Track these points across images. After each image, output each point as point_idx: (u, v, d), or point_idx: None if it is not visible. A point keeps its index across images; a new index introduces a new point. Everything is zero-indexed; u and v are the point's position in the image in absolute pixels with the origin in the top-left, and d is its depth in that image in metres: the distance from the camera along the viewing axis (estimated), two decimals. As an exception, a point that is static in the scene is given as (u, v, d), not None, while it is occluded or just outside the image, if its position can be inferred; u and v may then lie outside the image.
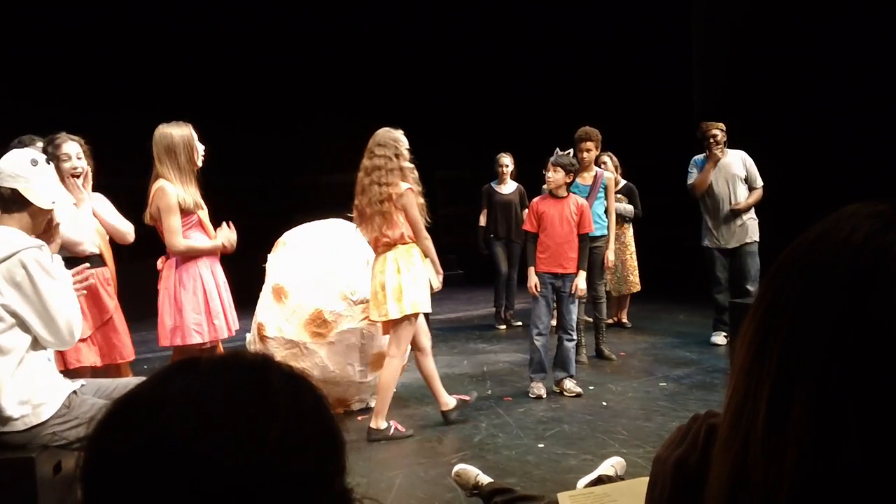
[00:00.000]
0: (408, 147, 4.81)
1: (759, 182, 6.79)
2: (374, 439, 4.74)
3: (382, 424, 4.79)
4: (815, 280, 0.70)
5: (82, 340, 3.83)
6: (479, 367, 6.65)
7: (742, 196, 6.76)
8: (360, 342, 5.35)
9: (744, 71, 9.66)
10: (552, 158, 5.63)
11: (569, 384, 5.66)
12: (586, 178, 6.45)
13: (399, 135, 4.81)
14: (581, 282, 5.59)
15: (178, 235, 4.14)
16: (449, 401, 5.07)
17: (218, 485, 0.69)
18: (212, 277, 4.26)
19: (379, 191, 4.70)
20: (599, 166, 7.73)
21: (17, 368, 2.96)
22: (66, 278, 3.10)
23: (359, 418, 5.29)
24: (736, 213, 6.74)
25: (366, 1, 11.85)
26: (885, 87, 8.15)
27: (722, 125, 6.78)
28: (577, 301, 5.73)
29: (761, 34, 9.50)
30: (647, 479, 0.98)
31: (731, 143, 6.84)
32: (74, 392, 3.10)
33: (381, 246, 4.79)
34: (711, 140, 6.72)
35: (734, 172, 6.74)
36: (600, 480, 3.49)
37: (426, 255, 4.80)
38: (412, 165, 4.80)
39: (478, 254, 8.39)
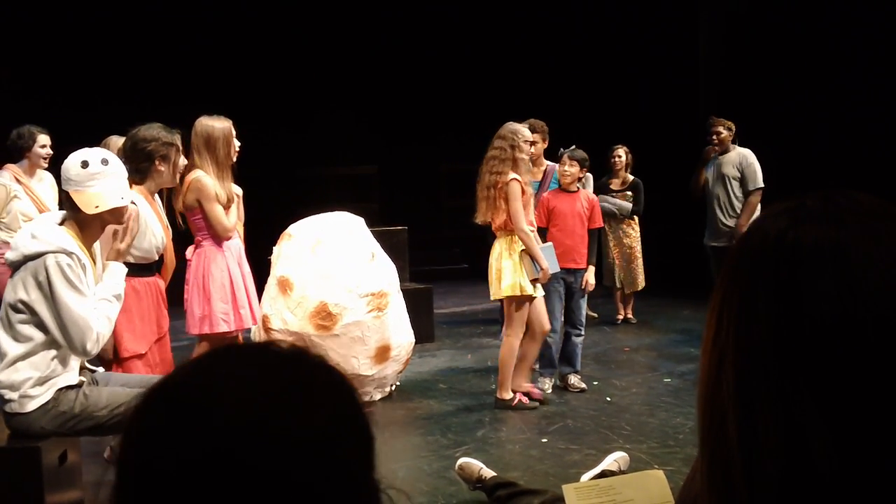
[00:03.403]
0: (528, 140, 5.10)
1: (755, 184, 6.43)
2: (499, 408, 5.16)
3: (507, 395, 5.18)
4: (747, 288, 0.72)
5: (140, 357, 3.71)
6: (483, 362, 6.65)
7: (736, 196, 6.49)
8: (365, 335, 5.36)
9: (750, 68, 9.63)
10: (568, 153, 5.60)
11: (574, 379, 5.65)
12: (535, 173, 6.25)
13: (520, 128, 5.12)
14: (591, 276, 5.59)
15: (224, 219, 4.25)
16: (507, 394, 5.15)
17: (266, 487, 0.69)
18: (238, 268, 4.33)
19: (489, 178, 5.06)
20: (613, 160, 7.68)
21: (23, 359, 2.97)
22: (91, 289, 3.05)
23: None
24: (731, 234, 6.45)
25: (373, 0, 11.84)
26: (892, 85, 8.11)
27: (729, 123, 6.59)
28: (585, 296, 5.71)
29: (768, 30, 9.46)
30: (651, 472, 1.00)
31: (738, 141, 6.68)
32: (69, 387, 3.08)
33: (497, 231, 5.15)
34: (713, 136, 6.58)
35: (725, 172, 6.51)
36: (603, 475, 3.50)
37: (524, 245, 5.00)
38: (527, 158, 5.09)
39: (483, 247, 8.36)
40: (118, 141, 4.56)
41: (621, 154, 7.62)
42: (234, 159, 4.35)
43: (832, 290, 0.67)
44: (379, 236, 6.03)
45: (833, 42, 8.61)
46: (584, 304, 5.69)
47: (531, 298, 5.06)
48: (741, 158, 6.51)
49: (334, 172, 12.20)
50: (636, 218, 7.69)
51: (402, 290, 5.93)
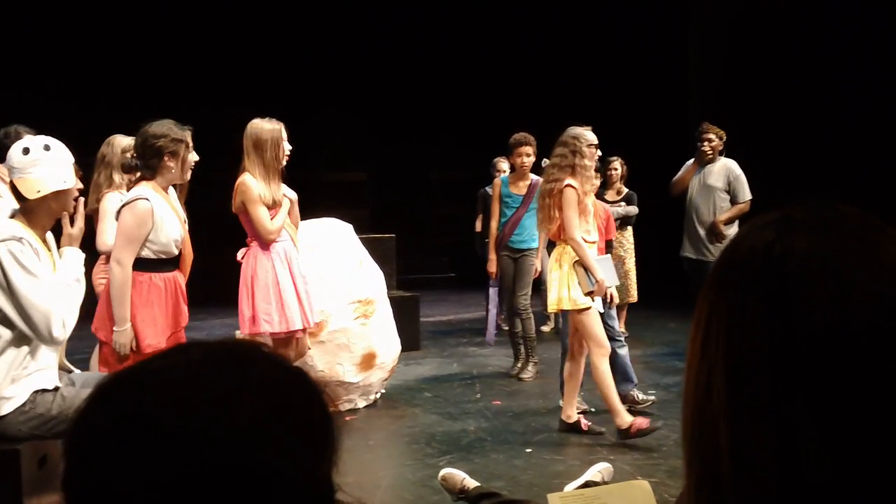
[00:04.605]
0: (591, 143, 4.77)
1: (745, 196, 6.29)
2: (622, 439, 4.61)
3: (624, 423, 4.61)
4: (736, 300, 0.72)
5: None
6: (469, 371, 6.64)
7: (718, 210, 6.29)
8: (351, 342, 5.34)
9: (742, 73, 9.69)
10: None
11: (640, 395, 5.30)
12: (521, 187, 6.15)
13: (582, 132, 4.80)
14: (613, 290, 5.20)
15: (267, 221, 4.28)
16: (572, 413, 4.87)
17: (188, 454, 0.71)
18: (286, 271, 4.36)
19: (545, 187, 4.80)
20: (609, 172, 7.62)
21: None
22: (48, 274, 3.02)
23: (346, 418, 5.28)
24: (710, 227, 6.30)
25: (364, 3, 11.85)
26: (886, 89, 8.18)
27: (721, 132, 6.38)
28: (614, 307, 5.38)
29: (760, 35, 9.52)
30: (637, 482, 0.99)
31: (728, 146, 6.46)
32: (45, 390, 3.04)
33: (552, 239, 4.91)
34: (705, 143, 6.34)
35: (711, 183, 6.29)
36: (587, 486, 3.49)
37: (577, 255, 4.67)
38: (590, 164, 4.78)
39: (471, 256, 8.36)
40: (122, 140, 4.58)
41: (617, 166, 7.60)
42: (284, 162, 4.38)
43: (823, 300, 0.67)
44: (367, 243, 6.03)
45: (824, 51, 8.68)
46: (614, 313, 5.38)
47: (588, 309, 4.66)
48: (727, 171, 6.34)
49: (324, 178, 12.19)
50: (630, 229, 7.68)
51: (388, 297, 5.92)
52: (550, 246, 7.32)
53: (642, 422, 4.62)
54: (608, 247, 5.43)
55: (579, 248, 4.64)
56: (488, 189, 7.98)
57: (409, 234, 9.76)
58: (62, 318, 2.97)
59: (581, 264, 4.64)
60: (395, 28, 11.96)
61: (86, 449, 0.74)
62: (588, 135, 4.79)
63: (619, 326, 7.83)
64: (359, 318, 5.42)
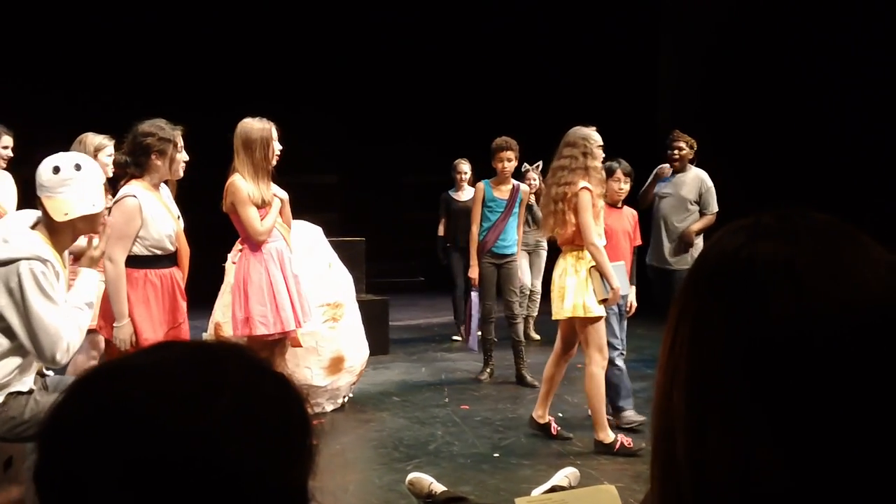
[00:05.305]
0: (600, 144, 4.61)
1: (713, 208, 6.26)
2: (599, 452, 4.55)
3: (608, 438, 4.55)
4: (702, 303, 0.72)
5: None
6: (437, 375, 6.65)
7: (686, 221, 6.25)
8: (319, 345, 5.32)
9: (713, 79, 9.81)
10: (623, 168, 5.16)
11: (629, 414, 5.10)
12: (503, 192, 6.13)
13: (590, 132, 4.63)
14: (633, 297, 5.25)
15: (256, 222, 4.27)
16: (544, 414, 4.83)
17: (161, 448, 0.71)
18: (279, 272, 4.36)
19: (556, 191, 4.54)
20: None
21: None
22: (63, 297, 2.97)
23: (313, 422, 5.25)
24: (680, 237, 6.25)
25: (335, 5, 11.84)
26: (858, 101, 8.30)
27: (692, 141, 6.32)
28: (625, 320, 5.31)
29: (732, 41, 9.64)
30: (604, 487, 1.00)
31: (700, 154, 6.42)
32: (20, 392, 2.99)
33: (563, 245, 4.66)
34: (675, 151, 6.28)
35: (683, 195, 6.23)
36: (554, 490, 3.52)
37: (595, 261, 4.49)
38: (600, 166, 4.62)
39: (437, 261, 8.33)
40: (94, 138, 4.61)
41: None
42: (274, 162, 4.38)
43: (783, 307, 0.67)
44: (336, 247, 6.01)
45: (799, 57, 8.79)
46: (625, 325, 5.28)
47: (600, 318, 4.54)
48: (699, 182, 6.29)
49: (294, 180, 12.12)
50: None
51: (357, 301, 5.91)
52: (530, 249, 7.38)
53: (628, 440, 4.56)
54: (636, 254, 5.31)
55: (599, 253, 4.46)
56: (451, 192, 7.93)
57: (380, 237, 9.75)
58: (68, 344, 2.92)
59: (598, 270, 4.48)
60: (367, 31, 11.96)
61: (59, 439, 0.74)
62: (595, 135, 4.64)
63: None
64: (327, 322, 5.41)
